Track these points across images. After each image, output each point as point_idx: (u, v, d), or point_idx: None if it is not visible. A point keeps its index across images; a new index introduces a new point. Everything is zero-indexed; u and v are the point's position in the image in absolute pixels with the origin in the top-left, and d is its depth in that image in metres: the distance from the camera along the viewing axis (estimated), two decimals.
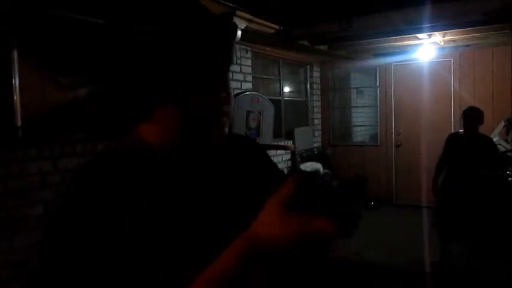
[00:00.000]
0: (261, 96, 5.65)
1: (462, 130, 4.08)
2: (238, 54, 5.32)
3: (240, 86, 5.39)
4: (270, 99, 5.88)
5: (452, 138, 4.14)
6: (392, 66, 7.04)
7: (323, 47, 6.48)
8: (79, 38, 3.41)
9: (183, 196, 0.73)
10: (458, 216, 3.85)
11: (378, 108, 7.28)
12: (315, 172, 5.69)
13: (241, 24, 4.17)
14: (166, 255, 0.66)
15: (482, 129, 5.60)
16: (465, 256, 4.12)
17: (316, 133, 7.53)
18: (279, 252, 0.62)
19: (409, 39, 5.81)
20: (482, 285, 3.78)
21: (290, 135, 6.53)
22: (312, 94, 7.43)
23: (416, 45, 6.21)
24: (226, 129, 0.78)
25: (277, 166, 0.96)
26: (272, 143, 5.79)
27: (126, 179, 0.70)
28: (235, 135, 0.94)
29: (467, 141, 3.90)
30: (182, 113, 0.73)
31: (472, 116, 3.95)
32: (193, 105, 0.72)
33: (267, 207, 0.64)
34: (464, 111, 4.07)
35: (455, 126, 6.56)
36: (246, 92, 5.42)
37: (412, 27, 4.92)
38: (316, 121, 7.54)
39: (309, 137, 7.07)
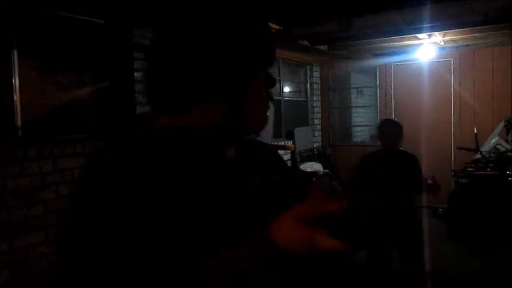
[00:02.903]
0: None
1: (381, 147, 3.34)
2: None
3: None
4: None
5: (369, 160, 3.35)
6: (393, 66, 7.04)
7: (323, 47, 6.48)
8: (80, 38, 3.41)
9: (212, 189, 0.74)
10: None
11: (378, 108, 7.28)
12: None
13: None
14: (187, 243, 0.67)
15: (482, 129, 5.64)
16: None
17: (316, 133, 7.52)
18: (292, 257, 0.63)
19: (409, 39, 5.81)
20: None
21: (290, 135, 6.52)
22: (312, 94, 7.43)
23: (416, 45, 6.21)
24: (262, 130, 0.81)
25: (297, 175, 0.98)
26: (272, 143, 5.78)
27: (163, 166, 0.70)
28: (260, 142, 0.98)
29: (389, 161, 3.21)
30: (228, 108, 0.74)
31: (391, 131, 3.25)
32: (240, 102, 0.74)
33: (290, 214, 0.65)
34: (380, 124, 3.39)
35: (455, 126, 6.56)
36: None
37: (412, 27, 4.91)
38: (316, 121, 7.54)
39: (309, 137, 7.06)
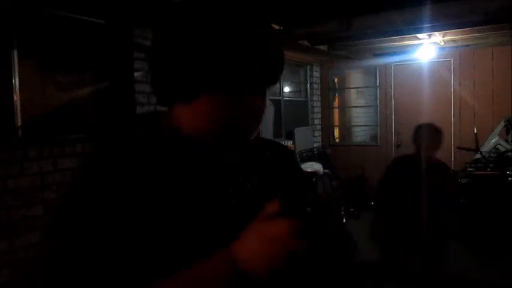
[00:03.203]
0: None
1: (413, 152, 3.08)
2: None
3: None
4: (270, 99, 5.87)
5: (398, 164, 3.15)
6: (393, 66, 7.04)
7: (323, 47, 6.48)
8: (80, 38, 3.41)
9: (212, 190, 0.74)
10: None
11: (378, 108, 7.28)
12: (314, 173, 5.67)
13: None
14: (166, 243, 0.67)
15: (482, 129, 5.64)
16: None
17: (316, 133, 7.52)
18: (262, 272, 0.63)
19: (409, 39, 5.81)
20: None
21: (290, 135, 6.52)
22: (312, 94, 7.43)
23: (416, 45, 6.21)
24: (255, 133, 0.80)
25: (306, 177, 0.95)
26: None
27: (163, 166, 0.71)
28: (266, 140, 0.95)
29: (419, 167, 2.91)
30: (225, 107, 0.73)
31: (429, 136, 2.98)
32: (239, 102, 0.73)
33: (251, 226, 0.65)
34: (418, 128, 3.08)
35: (455, 126, 6.56)
36: None
37: (412, 27, 4.92)
38: (316, 121, 7.54)
39: (309, 137, 7.07)
